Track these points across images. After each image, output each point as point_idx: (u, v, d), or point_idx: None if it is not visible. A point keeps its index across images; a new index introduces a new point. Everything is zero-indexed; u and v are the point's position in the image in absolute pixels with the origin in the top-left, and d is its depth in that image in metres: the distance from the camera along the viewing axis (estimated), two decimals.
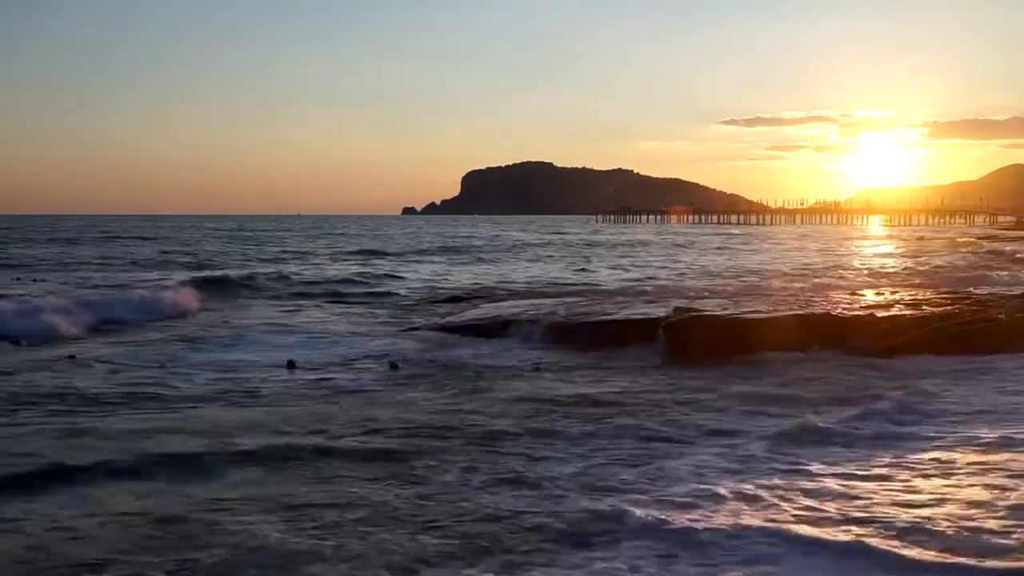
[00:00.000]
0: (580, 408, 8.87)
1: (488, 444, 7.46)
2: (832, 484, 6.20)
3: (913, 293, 17.79)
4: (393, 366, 11.42)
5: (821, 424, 7.94)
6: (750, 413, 8.61)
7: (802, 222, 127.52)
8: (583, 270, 32.75)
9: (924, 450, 7.14)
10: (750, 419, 8.34)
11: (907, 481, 6.30)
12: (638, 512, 5.48)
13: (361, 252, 45.04)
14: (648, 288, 22.56)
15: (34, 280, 24.12)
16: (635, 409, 8.83)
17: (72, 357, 12.21)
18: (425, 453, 7.15)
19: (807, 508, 5.66)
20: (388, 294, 22.29)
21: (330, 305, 19.68)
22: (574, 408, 8.87)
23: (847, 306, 15.13)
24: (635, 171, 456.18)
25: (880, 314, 13.89)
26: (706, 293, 19.60)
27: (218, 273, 27.20)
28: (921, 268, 30.17)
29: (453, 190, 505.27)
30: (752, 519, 5.42)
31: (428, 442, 7.49)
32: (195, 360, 12.12)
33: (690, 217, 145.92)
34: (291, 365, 11.51)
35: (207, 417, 8.52)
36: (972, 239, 57.81)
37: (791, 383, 10.25)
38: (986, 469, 6.56)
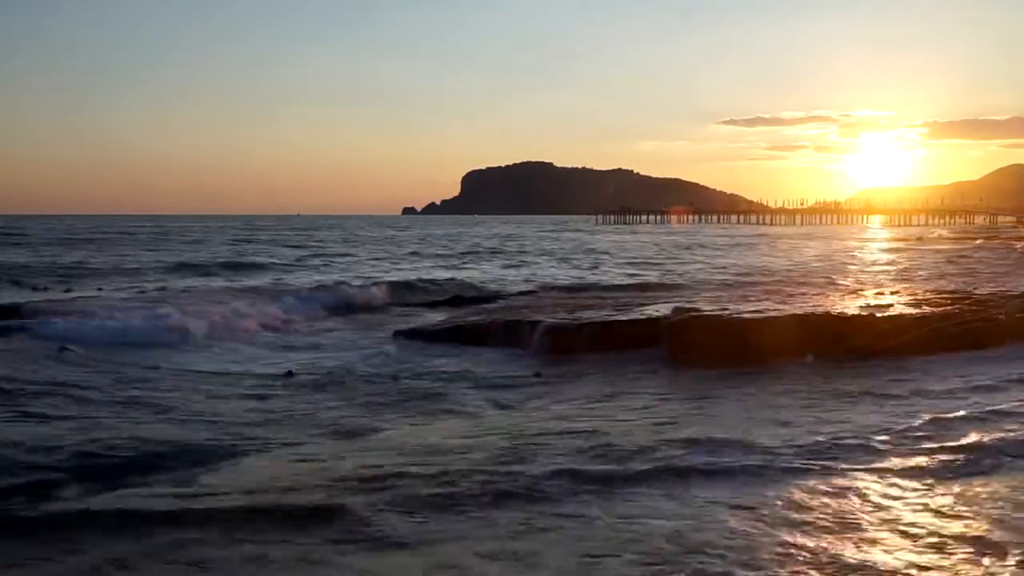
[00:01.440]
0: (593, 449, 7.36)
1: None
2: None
3: (913, 293, 17.79)
4: (395, 377, 11.18)
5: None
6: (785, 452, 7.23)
7: (802, 222, 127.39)
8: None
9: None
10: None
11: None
12: None
13: (433, 256, 43.85)
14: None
15: (42, 288, 22.71)
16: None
17: (64, 349, 12.08)
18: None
19: None
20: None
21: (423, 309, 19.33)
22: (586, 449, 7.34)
23: (848, 306, 15.14)
24: (635, 171, 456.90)
25: (880, 314, 13.89)
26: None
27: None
28: None
29: (453, 190, 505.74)
30: None
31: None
32: (190, 363, 12.10)
33: (690, 217, 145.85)
34: (289, 375, 11.20)
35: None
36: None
37: (805, 391, 9.98)
38: None
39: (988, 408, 8.71)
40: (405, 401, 9.63)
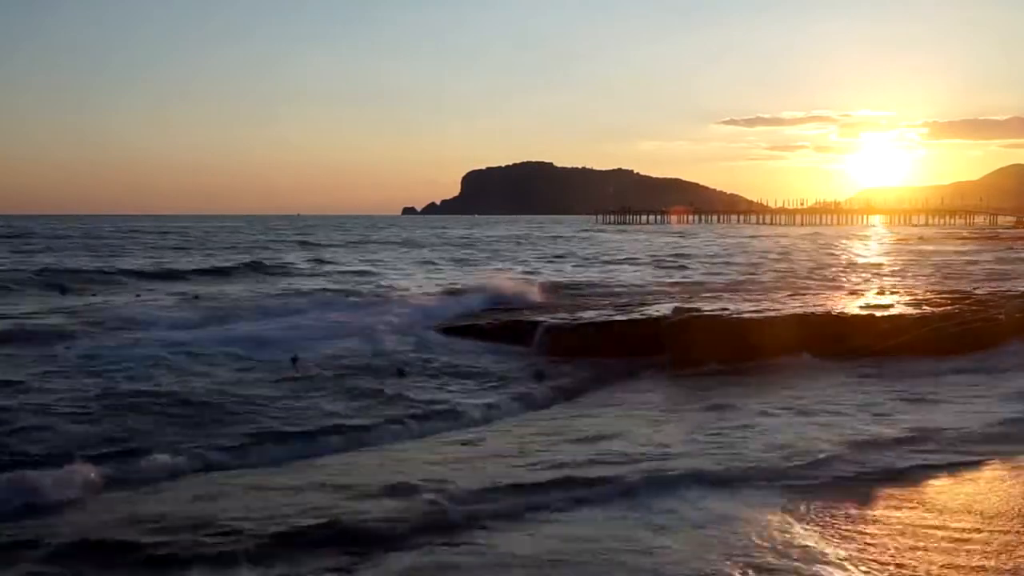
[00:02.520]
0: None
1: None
2: None
3: (913, 293, 17.81)
4: (400, 373, 11.23)
5: None
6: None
7: (802, 222, 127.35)
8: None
9: None
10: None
11: None
12: None
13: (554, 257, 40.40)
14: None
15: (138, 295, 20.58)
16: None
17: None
18: None
19: None
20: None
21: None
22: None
23: (848, 305, 15.18)
24: (635, 171, 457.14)
25: (880, 314, 13.92)
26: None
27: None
28: None
29: (453, 190, 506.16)
30: None
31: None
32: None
33: (690, 217, 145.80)
34: (294, 361, 11.38)
35: None
36: None
37: (819, 400, 9.69)
38: None
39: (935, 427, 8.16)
40: (392, 400, 9.67)
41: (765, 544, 5.22)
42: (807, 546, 5.21)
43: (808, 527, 5.54)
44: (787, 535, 5.38)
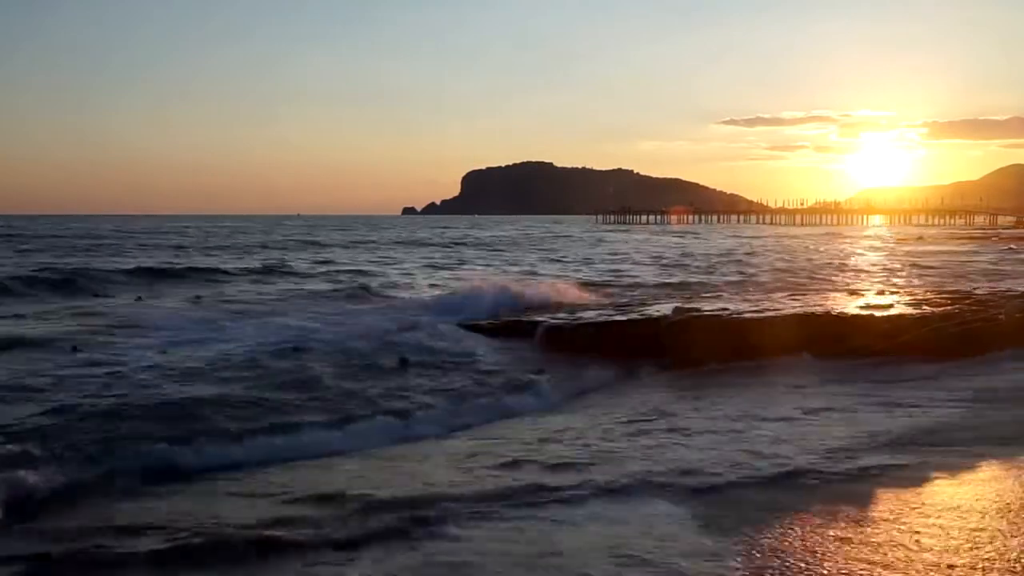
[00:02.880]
0: None
1: None
2: None
3: (913, 293, 17.82)
4: (403, 362, 11.36)
5: None
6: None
7: (802, 222, 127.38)
8: None
9: None
10: None
11: None
12: None
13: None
14: None
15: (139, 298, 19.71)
16: None
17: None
18: None
19: None
20: None
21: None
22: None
23: (848, 305, 15.18)
24: (635, 171, 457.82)
25: (880, 314, 13.91)
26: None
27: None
28: None
29: (453, 190, 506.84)
30: None
31: None
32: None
33: (690, 217, 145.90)
34: (296, 351, 11.49)
35: None
36: None
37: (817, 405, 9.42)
38: None
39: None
40: (388, 400, 9.70)
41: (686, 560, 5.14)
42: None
43: (728, 539, 5.40)
44: (706, 547, 5.30)
